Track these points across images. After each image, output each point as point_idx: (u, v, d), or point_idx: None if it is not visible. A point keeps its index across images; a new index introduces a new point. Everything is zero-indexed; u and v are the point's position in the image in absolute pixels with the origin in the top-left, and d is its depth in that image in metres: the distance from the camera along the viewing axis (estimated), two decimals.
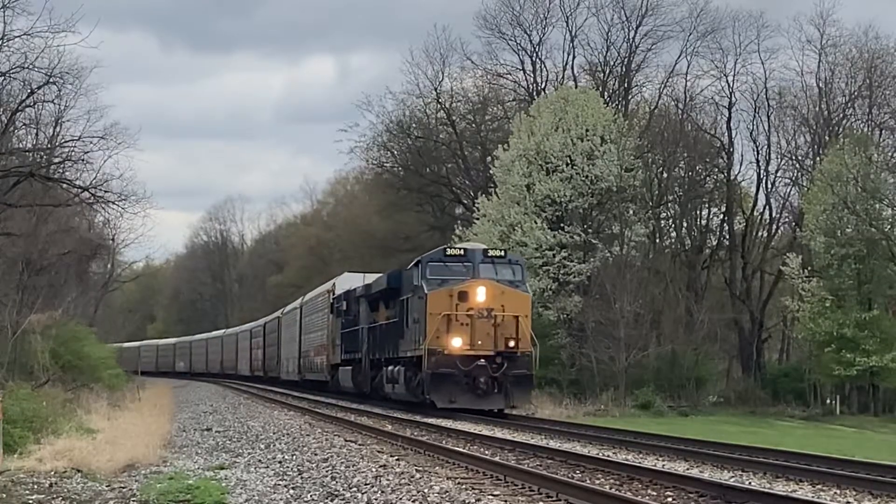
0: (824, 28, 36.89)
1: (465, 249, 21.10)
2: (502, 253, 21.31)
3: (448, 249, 21.18)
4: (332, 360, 29.47)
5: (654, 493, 8.43)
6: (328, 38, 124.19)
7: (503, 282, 19.81)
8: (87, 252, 30.24)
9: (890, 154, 35.83)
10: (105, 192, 22.60)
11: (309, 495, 8.49)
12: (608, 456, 11.83)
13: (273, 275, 62.67)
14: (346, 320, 27.58)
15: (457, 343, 18.95)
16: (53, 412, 13.98)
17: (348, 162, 65.17)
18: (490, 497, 7.93)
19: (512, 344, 19.08)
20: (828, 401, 33.20)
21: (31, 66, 20.36)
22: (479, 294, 19.17)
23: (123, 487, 9.25)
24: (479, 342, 19.04)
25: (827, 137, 35.30)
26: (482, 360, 18.89)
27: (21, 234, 21.66)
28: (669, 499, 8.18)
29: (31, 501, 8.35)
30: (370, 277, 27.04)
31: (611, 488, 8.58)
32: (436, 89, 41.44)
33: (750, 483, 9.35)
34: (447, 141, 42.82)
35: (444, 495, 7.90)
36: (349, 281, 29.51)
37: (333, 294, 29.97)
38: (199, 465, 11.15)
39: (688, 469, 10.68)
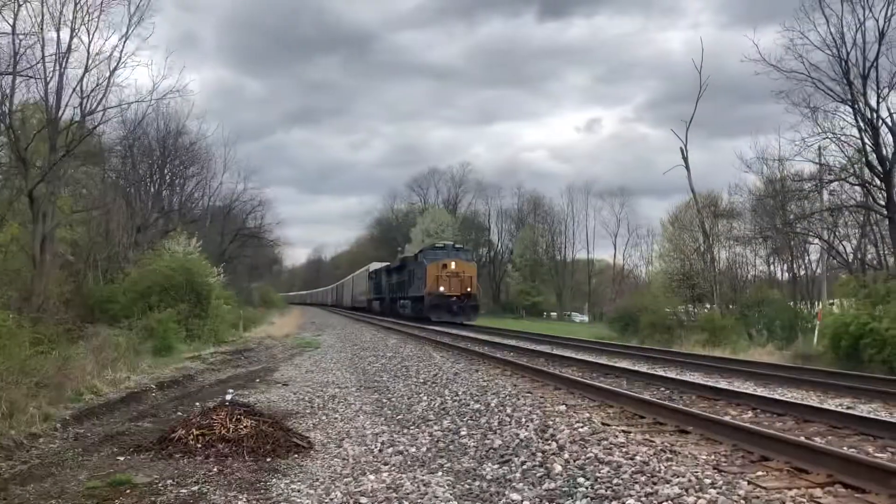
0: None
1: (444, 243, 40.46)
2: (462, 245, 43.12)
3: (436, 244, 41.18)
4: (369, 297, 57.00)
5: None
6: None
7: (463, 259, 36.92)
8: (271, 262, 69.68)
9: None
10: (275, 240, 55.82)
11: (349, 344, 23.53)
12: None
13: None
14: (375, 282, 54.25)
15: (443, 289, 34.82)
16: (261, 317, 32.00)
17: None
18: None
19: (469, 289, 35.49)
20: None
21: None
22: (453, 265, 35.54)
23: (285, 341, 25.07)
24: (453, 289, 34.96)
25: None
26: (454, 298, 34.99)
27: (249, 256, 52.27)
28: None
29: (253, 344, 24.19)
30: (383, 264, 54.77)
31: None
32: None
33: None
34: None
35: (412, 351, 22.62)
36: (375, 266, 57.95)
37: (369, 271, 58.52)
38: (311, 334, 27.26)
39: None
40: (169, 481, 6.51)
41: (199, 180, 41.56)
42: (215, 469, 6.91)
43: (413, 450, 7.53)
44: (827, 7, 22.67)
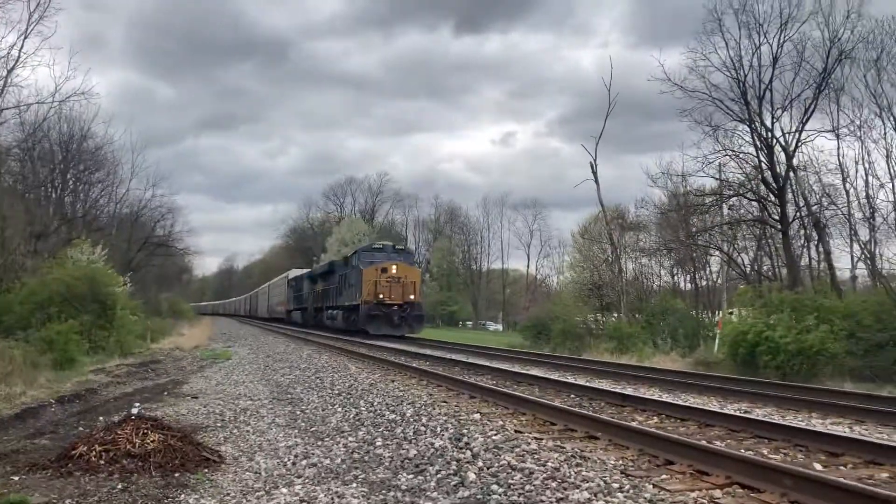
0: None
1: (383, 244, 35.48)
2: (403, 246, 37.61)
3: (374, 244, 36.02)
4: (289, 307, 53.18)
5: None
6: None
7: (406, 262, 32.85)
8: (181, 271, 69.09)
9: None
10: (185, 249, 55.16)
11: (262, 355, 23.03)
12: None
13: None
14: (296, 290, 50.25)
15: (382, 297, 30.76)
16: (170, 328, 30.73)
17: None
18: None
19: (412, 297, 31.37)
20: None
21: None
22: (394, 269, 31.46)
23: (194, 353, 24.35)
24: (394, 297, 30.93)
25: None
26: (396, 307, 30.91)
27: (157, 265, 51.67)
28: None
29: (161, 356, 23.39)
30: (304, 270, 52.44)
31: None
32: None
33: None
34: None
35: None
36: (294, 273, 55.13)
37: (288, 278, 55.08)
38: (222, 345, 26.52)
39: None
40: (68, 500, 6.22)
41: (104, 186, 39.92)
42: (119, 486, 6.65)
43: (327, 461, 7.46)
44: (726, 31, 23.97)
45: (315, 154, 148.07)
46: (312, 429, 9.31)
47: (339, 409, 10.37)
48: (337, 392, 12.19)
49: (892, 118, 21.61)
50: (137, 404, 9.26)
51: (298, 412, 10.69)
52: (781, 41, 23.40)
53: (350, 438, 8.35)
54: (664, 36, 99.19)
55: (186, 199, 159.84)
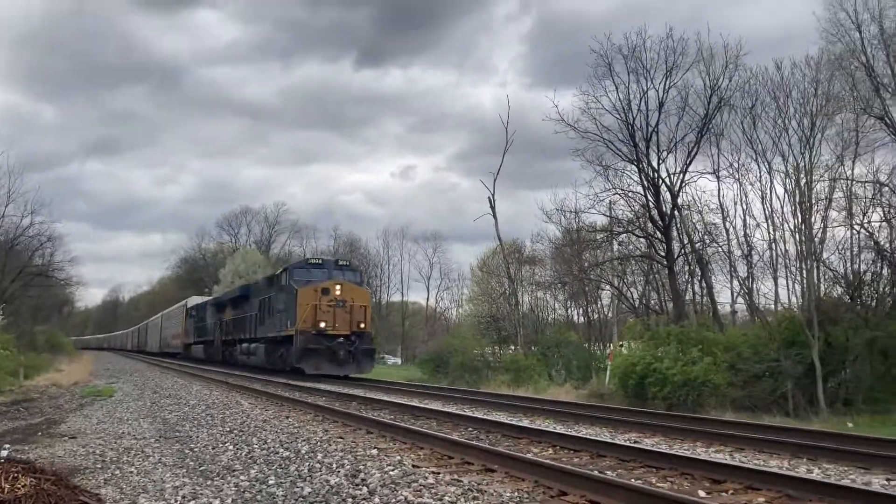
0: None
1: (322, 259, 28.52)
2: (347, 262, 29.38)
3: (310, 259, 29.01)
4: (187, 341, 46.59)
5: None
6: None
7: (352, 281, 26.31)
8: (61, 303, 65.47)
9: None
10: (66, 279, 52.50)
11: (148, 391, 21.93)
12: None
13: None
14: (197, 320, 43.80)
15: (324, 325, 24.46)
16: (46, 363, 29.19)
17: None
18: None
19: (362, 325, 25.09)
20: None
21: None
22: (338, 289, 25.04)
23: (74, 389, 22.93)
24: (339, 325, 24.66)
25: None
26: (341, 338, 24.61)
27: (34, 296, 49.91)
28: None
29: (36, 394, 21.89)
30: (206, 298, 47.48)
31: None
32: None
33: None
34: None
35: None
36: (195, 300, 48.81)
37: (187, 307, 48.22)
38: (104, 381, 25.00)
39: None
40: None
41: None
42: None
43: (217, 502, 7.15)
44: (616, 76, 25.09)
45: (209, 182, 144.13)
46: (202, 468, 8.93)
47: (231, 447, 9.99)
48: (228, 429, 11.75)
49: (766, 163, 23.14)
50: (7, 446, 8.64)
51: (187, 450, 10.23)
52: (667, 87, 24.73)
53: (242, 477, 8.05)
54: (558, 78, 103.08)
55: (69, 227, 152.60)
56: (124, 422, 14.23)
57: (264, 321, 28.76)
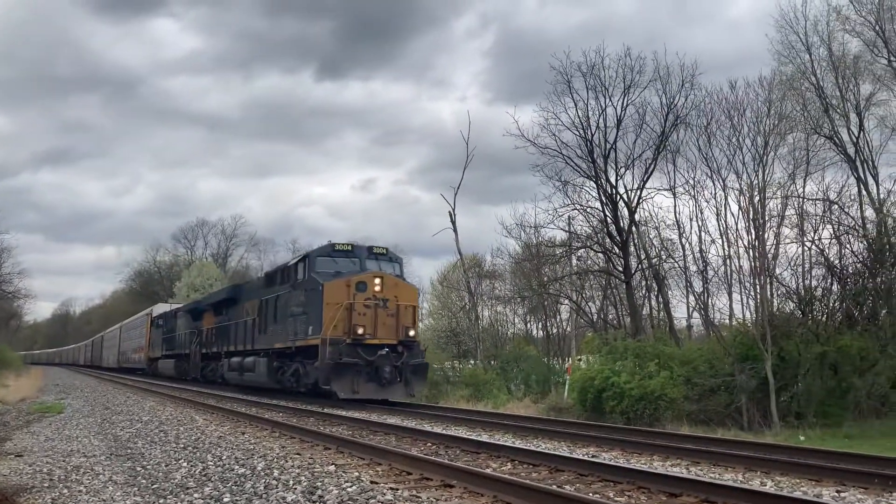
0: None
1: (351, 245, 20.93)
2: (385, 250, 21.47)
3: (336, 245, 20.65)
4: (153, 355, 41.11)
5: None
6: None
7: (393, 273, 20.32)
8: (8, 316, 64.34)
9: None
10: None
11: (99, 407, 21.35)
12: None
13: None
14: (166, 330, 37.96)
15: (362, 331, 18.51)
16: None
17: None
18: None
19: (412, 333, 19.04)
20: None
21: None
22: (377, 284, 18.99)
23: (21, 406, 22.25)
24: (381, 331, 18.79)
25: None
26: (385, 349, 18.57)
27: None
28: None
29: None
30: (177, 305, 40.97)
31: None
32: None
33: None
34: None
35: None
36: (162, 308, 43.67)
37: (152, 315, 42.74)
38: (53, 397, 24.40)
39: None
40: None
41: None
42: None
43: None
44: (575, 93, 25.42)
45: (165, 194, 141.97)
46: (154, 486, 8.71)
47: (185, 464, 9.78)
48: (182, 446, 11.50)
49: (721, 180, 23.63)
50: None
51: (139, 468, 9.98)
52: (625, 104, 25.12)
53: (195, 495, 7.88)
54: (519, 94, 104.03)
55: (19, 239, 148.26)
56: (74, 439, 13.85)
57: (266, 328, 22.66)
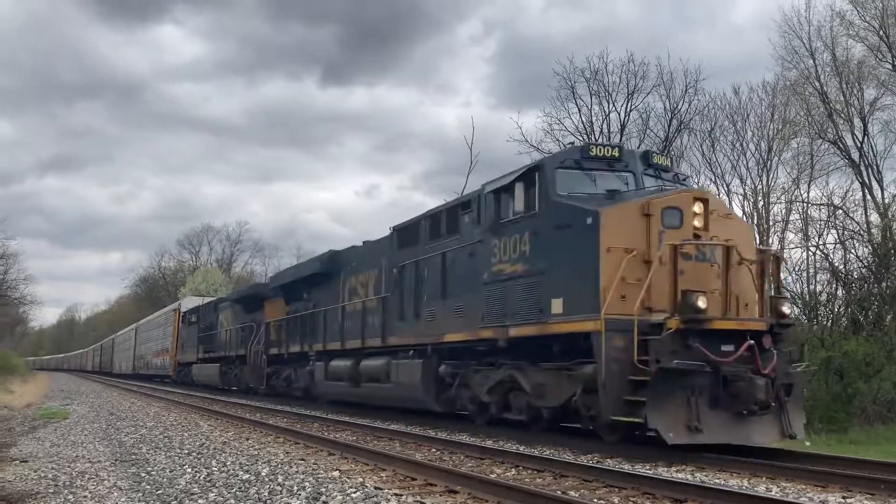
0: None
1: (619, 148, 11.41)
2: (668, 162, 12.02)
3: (590, 147, 11.23)
4: (182, 359, 34.47)
5: None
6: None
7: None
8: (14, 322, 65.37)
9: None
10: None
11: (104, 413, 21.41)
12: None
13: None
14: (205, 327, 30.71)
15: (701, 304, 9.16)
16: None
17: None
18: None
19: (786, 310, 10.19)
20: None
21: None
22: (697, 212, 9.97)
23: (26, 411, 22.30)
24: (731, 303, 10.01)
25: None
26: (749, 341, 9.33)
27: None
28: None
29: None
30: (209, 298, 37.81)
31: None
32: None
33: None
34: None
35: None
36: (193, 302, 37.30)
37: (181, 311, 36.36)
38: (59, 403, 24.37)
39: None
40: None
41: None
42: None
43: None
44: (579, 98, 25.46)
45: (169, 200, 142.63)
46: (158, 492, 8.73)
47: (189, 470, 9.79)
48: (187, 451, 11.53)
49: (725, 185, 23.65)
50: None
51: (143, 474, 10.00)
52: (628, 110, 25.12)
53: (200, 501, 7.89)
54: (523, 100, 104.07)
55: (23, 245, 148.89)
56: (79, 445, 13.88)
57: (418, 310, 14.35)
